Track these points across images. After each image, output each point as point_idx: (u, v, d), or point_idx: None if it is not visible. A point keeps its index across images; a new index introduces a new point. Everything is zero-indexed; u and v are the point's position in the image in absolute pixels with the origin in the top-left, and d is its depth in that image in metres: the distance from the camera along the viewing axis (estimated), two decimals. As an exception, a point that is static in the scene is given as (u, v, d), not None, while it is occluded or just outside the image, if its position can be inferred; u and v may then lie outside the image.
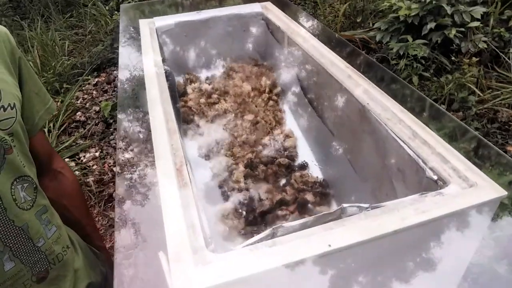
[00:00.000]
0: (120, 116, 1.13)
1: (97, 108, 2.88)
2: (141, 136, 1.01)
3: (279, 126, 1.59)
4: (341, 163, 1.25)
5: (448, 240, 0.71)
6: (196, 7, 1.95)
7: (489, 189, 0.73)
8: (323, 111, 1.36)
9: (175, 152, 0.87)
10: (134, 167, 0.88)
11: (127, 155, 0.91)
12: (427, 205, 0.70)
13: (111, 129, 2.74)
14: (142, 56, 1.41)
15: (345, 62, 1.20)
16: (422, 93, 1.45)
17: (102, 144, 2.64)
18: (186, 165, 0.84)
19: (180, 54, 1.78)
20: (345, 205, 0.72)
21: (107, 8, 4.04)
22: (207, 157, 1.51)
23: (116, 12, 3.68)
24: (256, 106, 1.62)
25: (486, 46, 2.76)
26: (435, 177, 0.78)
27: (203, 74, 1.81)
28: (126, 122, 1.08)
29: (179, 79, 1.78)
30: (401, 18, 2.94)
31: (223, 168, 1.46)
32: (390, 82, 1.12)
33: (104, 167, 2.46)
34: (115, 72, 3.32)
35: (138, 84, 1.30)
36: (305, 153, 1.49)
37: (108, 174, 2.38)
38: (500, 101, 2.50)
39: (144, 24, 1.68)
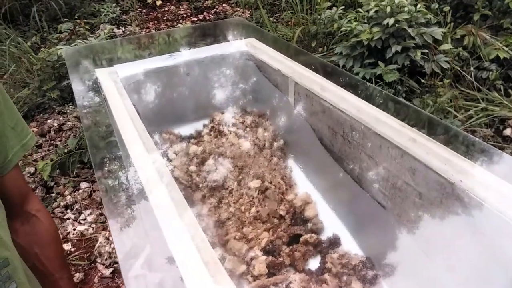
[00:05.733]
0: (110, 208, 0.80)
1: (32, 170, 2.34)
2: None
3: (290, 189, 1.31)
4: (398, 243, 0.99)
5: None
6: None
7: None
8: (363, 176, 1.10)
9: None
10: None
11: None
12: None
13: (53, 194, 2.23)
14: (117, 122, 1.05)
15: (397, 119, 0.95)
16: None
17: (43, 215, 2.12)
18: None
19: (153, 109, 1.42)
20: None
21: (29, 44, 3.46)
22: (212, 245, 1.16)
23: (42, 49, 3.14)
24: (259, 167, 1.31)
25: (448, 66, 2.76)
26: None
27: (184, 131, 1.46)
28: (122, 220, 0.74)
29: (154, 139, 1.41)
30: (364, 43, 2.85)
31: (236, 259, 1.13)
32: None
33: (50, 246, 1.95)
34: (49, 121, 2.79)
35: (118, 159, 0.94)
36: (331, 222, 1.22)
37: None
38: (475, 121, 2.48)
39: (104, 75, 1.30)
